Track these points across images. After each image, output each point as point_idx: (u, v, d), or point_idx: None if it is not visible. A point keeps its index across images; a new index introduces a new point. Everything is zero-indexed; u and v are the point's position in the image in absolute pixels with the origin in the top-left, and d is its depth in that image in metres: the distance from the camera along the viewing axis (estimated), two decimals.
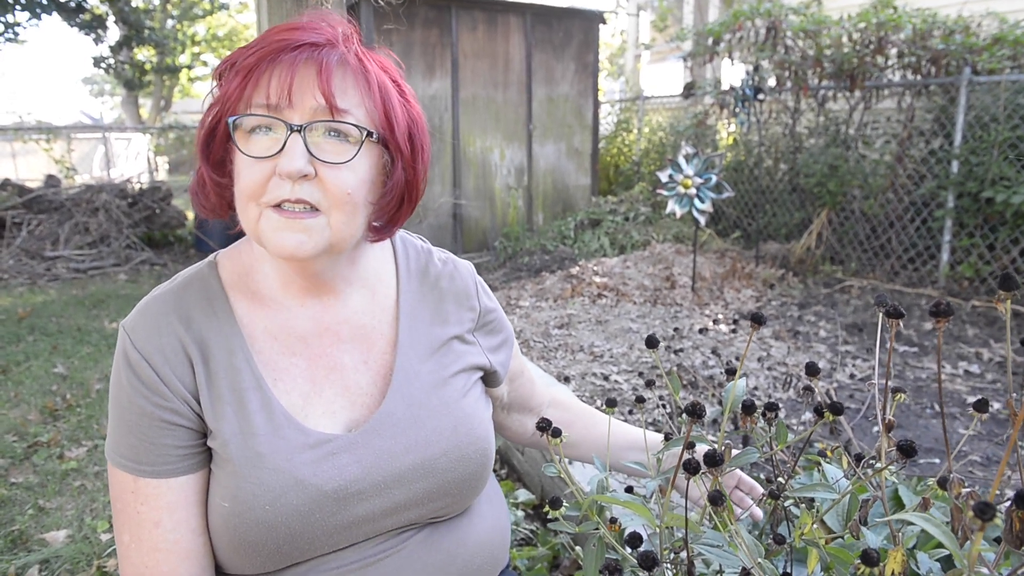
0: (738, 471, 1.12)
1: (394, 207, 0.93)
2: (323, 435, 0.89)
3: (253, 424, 0.87)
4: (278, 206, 0.83)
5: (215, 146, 0.87)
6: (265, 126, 0.83)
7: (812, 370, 0.92)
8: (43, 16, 10.27)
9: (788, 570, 0.89)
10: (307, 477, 0.86)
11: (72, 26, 10.75)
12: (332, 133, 0.84)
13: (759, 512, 1.07)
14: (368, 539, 0.93)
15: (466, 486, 0.97)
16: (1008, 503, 0.63)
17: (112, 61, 12.38)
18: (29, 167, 10.63)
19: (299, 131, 0.81)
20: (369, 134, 0.85)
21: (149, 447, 0.86)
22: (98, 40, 11.27)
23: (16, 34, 10.22)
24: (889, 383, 0.86)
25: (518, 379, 1.19)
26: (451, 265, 1.09)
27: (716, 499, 0.71)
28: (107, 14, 11.35)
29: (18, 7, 9.86)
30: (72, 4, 10.37)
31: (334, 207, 0.84)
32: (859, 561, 0.68)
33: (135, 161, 12.98)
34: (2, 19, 9.92)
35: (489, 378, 1.09)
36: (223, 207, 0.91)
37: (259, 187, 0.82)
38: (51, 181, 8.06)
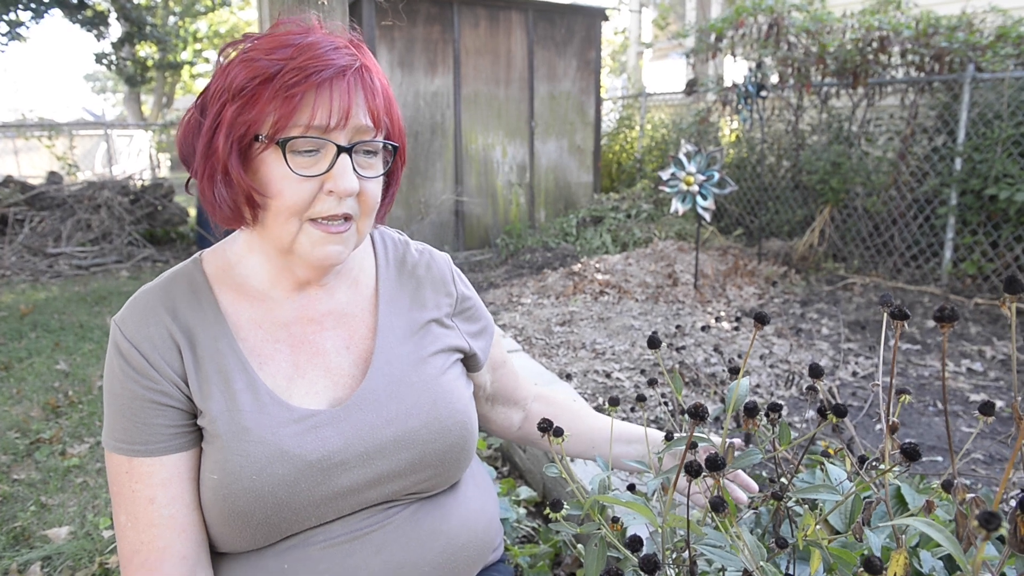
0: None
1: (389, 202, 1.02)
2: (307, 411, 0.93)
3: (239, 402, 0.91)
4: (315, 219, 0.88)
5: (242, 157, 0.88)
6: (313, 146, 0.87)
7: (816, 372, 0.91)
8: (45, 13, 10.27)
9: (791, 570, 0.88)
10: (291, 448, 0.90)
11: (74, 23, 10.76)
12: (367, 151, 0.91)
13: (743, 496, 1.07)
14: (355, 512, 0.96)
15: (448, 458, 1.00)
16: (1013, 506, 0.63)
17: (114, 58, 12.38)
18: (31, 164, 10.63)
19: (348, 151, 0.87)
20: (395, 148, 0.94)
21: (141, 427, 0.90)
22: (100, 37, 11.27)
23: (19, 32, 10.22)
24: (892, 382, 0.86)
25: (500, 369, 1.23)
26: (427, 255, 1.14)
27: (718, 505, 0.71)
28: (109, 11, 11.35)
29: (20, 5, 9.85)
30: (74, 1, 10.36)
31: (364, 215, 0.93)
32: (862, 568, 0.68)
33: (137, 158, 12.98)
34: (5, 17, 9.92)
35: (469, 362, 1.13)
36: (241, 216, 0.92)
37: (306, 203, 0.87)
38: (53, 178, 8.06)
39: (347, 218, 0.90)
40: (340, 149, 0.87)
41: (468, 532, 1.04)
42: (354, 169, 0.88)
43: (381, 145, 0.92)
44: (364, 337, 1.02)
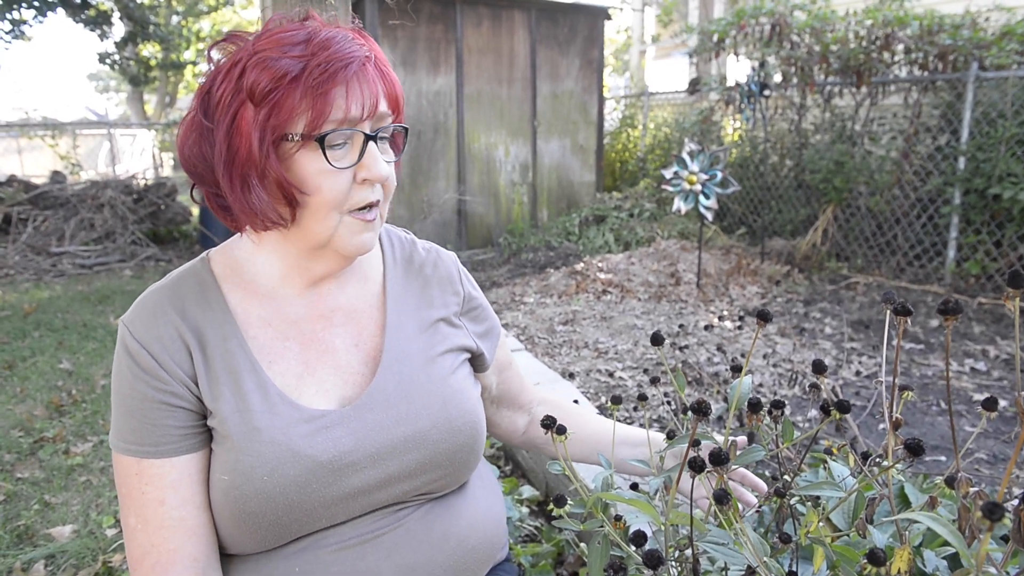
0: (742, 469, 1.12)
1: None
2: (317, 411, 0.93)
3: (249, 402, 0.90)
4: (355, 210, 0.90)
5: (273, 160, 0.86)
6: (344, 139, 0.88)
7: (819, 368, 0.91)
8: (48, 13, 10.28)
9: (794, 568, 0.88)
10: (303, 448, 0.90)
11: (77, 22, 10.77)
12: (383, 137, 0.92)
13: (752, 498, 1.07)
14: (366, 514, 0.95)
15: (458, 458, 1.00)
16: (1016, 502, 0.63)
17: (117, 57, 12.39)
18: (35, 163, 10.65)
19: (374, 139, 0.89)
20: (406, 131, 0.96)
21: (151, 428, 0.89)
22: (103, 36, 11.29)
23: (22, 31, 10.23)
24: (896, 380, 0.85)
25: (506, 371, 1.23)
26: (434, 253, 1.14)
27: (721, 499, 0.71)
28: (112, 10, 11.35)
29: (24, 4, 9.87)
30: (77, 0, 10.38)
31: (386, 200, 0.94)
32: (865, 560, 0.67)
33: (140, 157, 13.01)
34: (8, 16, 9.93)
35: (476, 361, 1.13)
36: (279, 218, 0.91)
37: (344, 195, 0.88)
38: (57, 177, 8.07)
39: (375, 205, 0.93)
40: (367, 137, 0.88)
41: (478, 533, 1.04)
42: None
43: (404, 131, 0.96)
44: (373, 335, 1.02)
